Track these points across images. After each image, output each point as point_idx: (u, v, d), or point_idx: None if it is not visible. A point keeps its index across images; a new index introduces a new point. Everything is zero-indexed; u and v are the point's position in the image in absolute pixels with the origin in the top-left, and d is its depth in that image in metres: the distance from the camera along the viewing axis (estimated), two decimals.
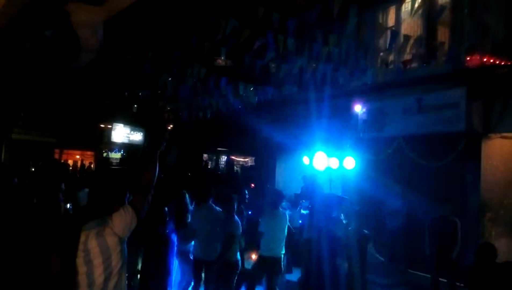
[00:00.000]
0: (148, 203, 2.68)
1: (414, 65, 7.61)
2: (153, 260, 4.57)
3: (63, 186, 3.71)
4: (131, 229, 2.54)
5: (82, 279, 2.39)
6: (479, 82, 6.94)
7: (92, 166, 20.08)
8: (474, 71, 6.97)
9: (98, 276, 2.40)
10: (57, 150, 20.18)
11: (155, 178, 2.68)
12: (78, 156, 21.37)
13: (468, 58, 7.03)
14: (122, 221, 2.50)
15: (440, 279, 6.45)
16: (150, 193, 2.65)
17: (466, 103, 7.08)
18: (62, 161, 19.22)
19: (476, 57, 6.92)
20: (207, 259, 5.44)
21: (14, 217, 3.16)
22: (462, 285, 6.70)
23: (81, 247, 2.40)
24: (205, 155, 22.98)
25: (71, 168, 16.76)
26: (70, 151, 21.29)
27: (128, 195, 2.83)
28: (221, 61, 15.20)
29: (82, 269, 2.40)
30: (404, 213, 7.85)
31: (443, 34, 7.87)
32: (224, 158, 22.99)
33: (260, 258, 5.53)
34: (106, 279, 2.42)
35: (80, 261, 2.39)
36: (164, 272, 4.60)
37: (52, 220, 3.15)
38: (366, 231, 6.08)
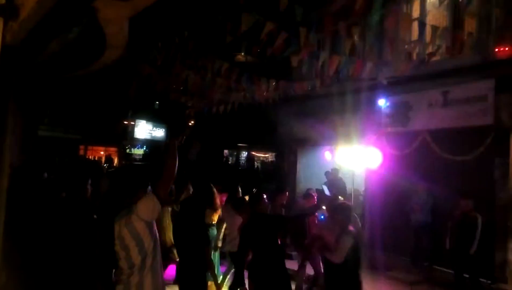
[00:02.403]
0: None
1: (439, 57, 7.43)
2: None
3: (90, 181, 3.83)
4: (155, 214, 2.79)
5: (123, 263, 2.74)
6: (507, 74, 6.73)
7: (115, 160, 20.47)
8: (503, 62, 6.76)
9: (136, 257, 2.72)
10: (81, 146, 20.67)
11: (176, 167, 2.85)
12: (102, 152, 21.82)
13: (496, 49, 6.82)
14: (146, 207, 2.74)
15: (464, 275, 6.36)
16: (172, 180, 2.86)
17: (494, 95, 6.89)
18: (87, 157, 19.68)
19: (505, 48, 6.71)
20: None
21: (45, 210, 3.25)
22: (487, 281, 6.59)
23: (116, 235, 2.71)
24: (225, 151, 23.11)
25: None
26: (94, 147, 21.77)
27: (149, 185, 3.00)
28: (241, 56, 15.21)
29: (121, 254, 2.73)
30: (429, 208, 7.71)
31: (470, 25, 7.66)
32: (244, 154, 23.07)
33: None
34: (143, 259, 2.73)
35: (118, 248, 2.72)
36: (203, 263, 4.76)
37: (81, 213, 3.23)
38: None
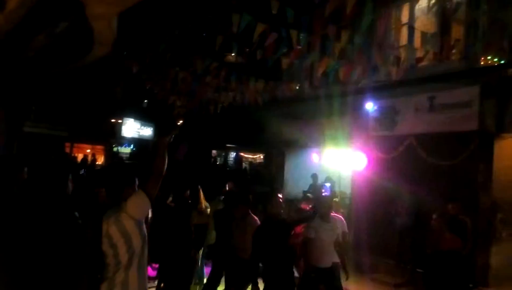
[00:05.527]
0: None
1: (426, 62, 7.53)
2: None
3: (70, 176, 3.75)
4: (145, 212, 2.79)
5: (110, 260, 2.71)
6: (492, 80, 6.85)
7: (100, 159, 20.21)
8: (488, 69, 6.89)
9: (123, 255, 2.70)
10: (67, 144, 20.36)
11: (165, 165, 2.84)
12: (88, 150, 21.54)
13: (482, 56, 6.94)
14: (135, 205, 2.73)
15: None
16: (161, 178, 2.83)
17: (479, 102, 7.00)
18: (73, 155, 19.42)
19: (491, 55, 6.84)
20: None
21: (25, 209, 3.19)
22: (469, 284, 6.69)
23: (104, 234, 2.70)
24: (213, 151, 23.03)
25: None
26: (80, 145, 21.46)
27: (137, 182, 3.00)
28: (231, 57, 15.20)
29: (109, 251, 2.71)
30: (414, 212, 7.79)
31: (457, 32, 7.78)
32: (233, 155, 23.02)
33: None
34: (130, 258, 2.72)
35: (105, 246, 2.70)
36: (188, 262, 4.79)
37: (61, 211, 3.17)
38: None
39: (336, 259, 5.13)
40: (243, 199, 5.28)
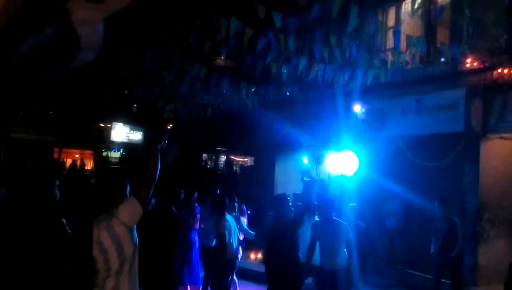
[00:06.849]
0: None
1: (413, 65, 7.63)
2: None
3: (57, 182, 3.71)
4: (136, 219, 2.76)
5: (101, 266, 2.67)
6: (478, 82, 6.96)
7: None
8: (473, 71, 6.99)
9: (114, 262, 2.67)
10: (56, 149, 20.13)
11: (158, 170, 2.83)
12: (77, 155, 21.31)
13: (467, 59, 7.05)
14: (127, 211, 2.72)
15: (442, 279, 6.47)
16: (153, 184, 2.82)
17: (465, 103, 7.11)
18: (61, 160, 19.22)
19: (475, 58, 6.95)
20: None
21: (12, 217, 3.15)
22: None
23: (95, 240, 2.66)
24: (204, 155, 22.97)
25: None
26: (69, 150, 21.21)
27: (128, 187, 2.96)
28: (221, 61, 15.20)
29: (99, 258, 2.67)
30: (402, 213, 7.86)
31: (442, 35, 7.89)
32: (223, 158, 23.00)
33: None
34: (121, 264, 2.69)
35: (96, 251, 2.66)
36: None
37: (49, 217, 3.14)
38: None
39: (338, 266, 5.21)
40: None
